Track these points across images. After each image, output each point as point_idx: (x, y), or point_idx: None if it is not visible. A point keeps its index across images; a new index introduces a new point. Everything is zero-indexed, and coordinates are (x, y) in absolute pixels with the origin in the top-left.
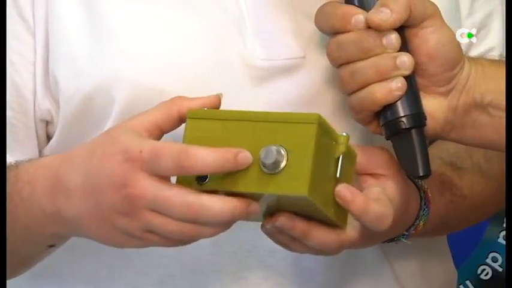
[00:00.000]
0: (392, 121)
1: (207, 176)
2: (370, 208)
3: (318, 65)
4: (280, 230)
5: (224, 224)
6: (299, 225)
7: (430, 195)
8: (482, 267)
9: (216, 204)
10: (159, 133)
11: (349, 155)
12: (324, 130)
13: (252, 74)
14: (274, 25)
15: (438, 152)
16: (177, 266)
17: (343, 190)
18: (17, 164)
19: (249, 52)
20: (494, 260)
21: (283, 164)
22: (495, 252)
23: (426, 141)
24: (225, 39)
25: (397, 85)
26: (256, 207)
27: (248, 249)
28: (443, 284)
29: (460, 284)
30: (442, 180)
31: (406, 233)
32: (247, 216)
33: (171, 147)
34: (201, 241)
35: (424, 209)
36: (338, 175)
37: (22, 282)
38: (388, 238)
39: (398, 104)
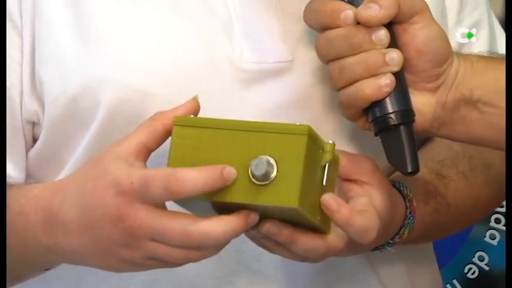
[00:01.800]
0: (381, 117)
1: None
2: (355, 220)
3: (305, 68)
4: (266, 236)
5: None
6: (284, 232)
7: (415, 204)
8: (468, 266)
9: (217, 230)
10: (146, 153)
11: (334, 161)
12: (313, 140)
13: (240, 76)
14: (262, 28)
15: (424, 160)
16: (162, 270)
17: (329, 200)
18: (10, 188)
19: (237, 55)
20: (481, 259)
21: (273, 175)
22: (482, 251)
23: (415, 138)
24: (213, 42)
25: (386, 81)
26: (255, 218)
27: (234, 253)
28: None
29: (446, 283)
30: (427, 189)
31: (391, 241)
32: (246, 229)
33: (159, 173)
34: None
35: (409, 218)
36: (324, 183)
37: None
38: (373, 246)
39: (387, 100)
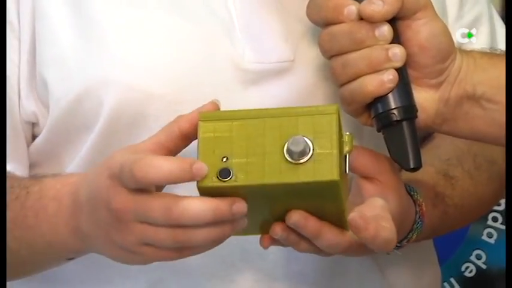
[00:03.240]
0: (383, 113)
1: (230, 172)
2: (381, 234)
3: (307, 67)
4: (294, 227)
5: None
6: (311, 224)
7: (424, 209)
8: (466, 264)
9: (196, 204)
10: (165, 153)
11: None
12: (339, 123)
13: (241, 76)
14: (263, 28)
15: (430, 159)
16: (166, 269)
17: (357, 219)
18: (39, 178)
19: (239, 55)
20: (478, 257)
21: (309, 153)
22: (479, 249)
23: (417, 134)
24: (214, 42)
25: (389, 77)
26: (242, 207)
27: (238, 252)
28: (428, 283)
29: (444, 282)
30: (436, 192)
31: (399, 245)
32: (232, 216)
33: (131, 158)
34: None
35: (418, 223)
36: (347, 171)
37: (9, 284)
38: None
39: (390, 96)
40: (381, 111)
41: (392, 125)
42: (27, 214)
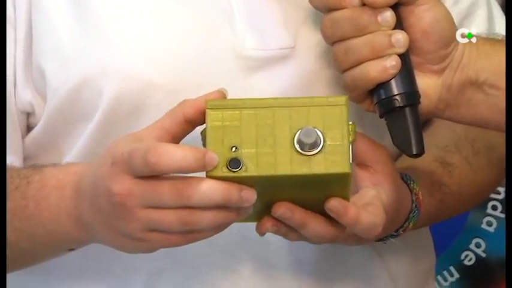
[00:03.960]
0: (386, 99)
1: (240, 163)
2: (362, 219)
3: (308, 53)
4: (281, 219)
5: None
6: (298, 215)
7: (421, 197)
8: (465, 252)
9: (206, 185)
10: (169, 139)
11: None
12: (348, 113)
13: (242, 64)
14: (263, 15)
15: (428, 145)
16: (167, 259)
17: (336, 204)
18: (39, 168)
19: (239, 42)
20: (478, 245)
21: (320, 145)
22: (478, 237)
23: (420, 120)
24: (214, 30)
25: (392, 63)
26: (251, 194)
27: (239, 241)
28: (425, 269)
29: (443, 270)
30: (432, 180)
31: (395, 234)
32: (241, 202)
33: (143, 145)
34: None
35: (415, 211)
36: (351, 160)
37: (8, 277)
38: (378, 238)
39: (393, 82)
40: (383, 97)
41: (395, 111)
42: (28, 204)
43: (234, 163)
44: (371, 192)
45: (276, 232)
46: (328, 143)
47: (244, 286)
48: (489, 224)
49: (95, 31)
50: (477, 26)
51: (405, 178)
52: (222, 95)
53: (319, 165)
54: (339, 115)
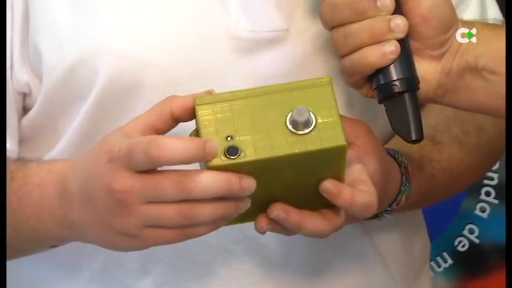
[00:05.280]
0: (385, 85)
1: (237, 150)
2: (357, 200)
3: (301, 37)
4: (276, 220)
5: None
6: (292, 217)
7: (410, 170)
8: (459, 239)
9: (207, 177)
10: (154, 132)
11: None
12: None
13: (235, 45)
14: None
15: None
16: (158, 258)
17: (329, 185)
18: (23, 163)
19: (233, 24)
20: (471, 231)
21: (313, 124)
22: (472, 224)
23: (419, 105)
24: (208, 10)
25: (391, 48)
26: (251, 182)
27: (233, 237)
28: (419, 254)
29: (437, 256)
30: (421, 155)
31: (389, 209)
32: (241, 191)
33: (143, 139)
34: None
35: (406, 185)
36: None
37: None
38: (372, 215)
39: (392, 67)
40: (382, 82)
41: (394, 97)
42: (11, 200)
43: (232, 150)
44: (356, 167)
45: (272, 230)
46: (320, 121)
47: (235, 263)
48: (482, 210)
49: (90, 10)
50: (471, 11)
51: (392, 152)
52: (210, 94)
53: (314, 142)
54: (326, 94)
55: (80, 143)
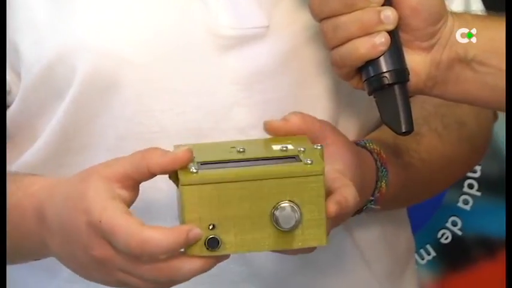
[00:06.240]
0: (375, 76)
1: (218, 242)
2: (349, 198)
3: (282, 33)
4: None
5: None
6: None
7: (384, 155)
8: (442, 231)
9: (187, 266)
10: (132, 183)
11: None
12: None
13: (217, 42)
14: None
15: None
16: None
17: (332, 207)
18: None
19: (213, 20)
20: (454, 224)
21: (298, 221)
22: (455, 216)
23: (409, 97)
24: (188, 7)
25: (381, 40)
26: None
27: None
28: (403, 251)
29: (420, 248)
30: (396, 143)
31: (372, 198)
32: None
33: (126, 228)
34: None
35: (382, 170)
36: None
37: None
38: (356, 210)
39: (382, 59)
40: (372, 74)
41: (384, 89)
42: None
43: (212, 242)
44: (332, 168)
45: None
46: (306, 217)
47: None
48: (465, 202)
49: (68, 8)
50: (456, 4)
51: (362, 142)
52: (190, 154)
53: (297, 239)
54: (316, 189)
55: (58, 142)
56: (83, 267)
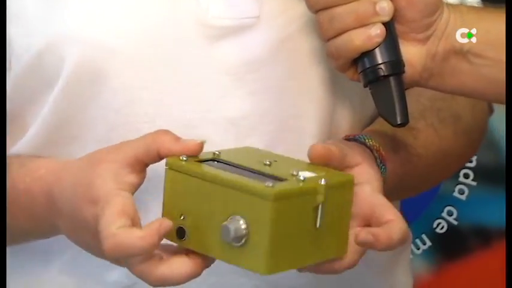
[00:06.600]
0: (370, 68)
1: (184, 233)
2: (393, 234)
3: (272, 24)
4: None
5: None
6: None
7: (383, 152)
8: (437, 221)
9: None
10: (141, 167)
11: (339, 193)
12: (287, 198)
13: (206, 32)
14: None
15: None
16: None
17: (363, 236)
18: (8, 165)
19: (203, 10)
20: (450, 213)
21: (244, 239)
22: (450, 206)
23: (404, 89)
24: None
25: (376, 32)
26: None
27: None
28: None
29: (416, 238)
30: (394, 139)
31: None
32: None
33: (109, 225)
34: None
35: (381, 167)
36: (318, 225)
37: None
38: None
39: (377, 51)
40: (367, 66)
41: (379, 80)
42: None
43: (180, 232)
44: (367, 188)
45: None
46: (250, 237)
47: None
48: (461, 192)
49: None
50: None
51: (360, 138)
52: (201, 146)
53: (240, 257)
54: (262, 210)
55: (48, 132)
56: (94, 252)
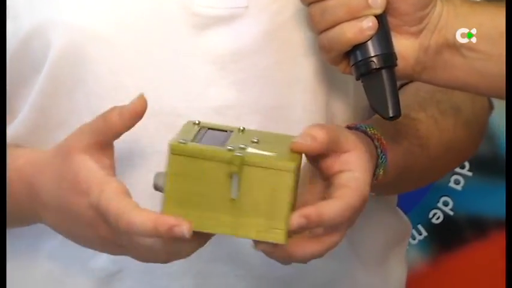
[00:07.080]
0: (362, 61)
1: None
2: (325, 215)
3: (261, 14)
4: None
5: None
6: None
7: (384, 142)
8: (433, 211)
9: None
10: (107, 146)
11: (269, 175)
12: (185, 156)
13: (192, 21)
14: None
15: None
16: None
17: (295, 219)
18: None
19: None
20: (446, 204)
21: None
22: (446, 196)
23: (397, 82)
24: None
25: (368, 24)
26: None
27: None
28: (392, 234)
29: (411, 229)
30: (397, 129)
31: None
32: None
33: (117, 209)
34: None
35: (382, 157)
36: (233, 195)
37: None
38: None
39: (369, 43)
40: (360, 59)
41: (372, 73)
42: None
43: None
44: (345, 176)
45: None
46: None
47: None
48: (457, 182)
49: None
50: None
51: (362, 127)
52: (143, 101)
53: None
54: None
55: (36, 117)
56: (87, 241)
